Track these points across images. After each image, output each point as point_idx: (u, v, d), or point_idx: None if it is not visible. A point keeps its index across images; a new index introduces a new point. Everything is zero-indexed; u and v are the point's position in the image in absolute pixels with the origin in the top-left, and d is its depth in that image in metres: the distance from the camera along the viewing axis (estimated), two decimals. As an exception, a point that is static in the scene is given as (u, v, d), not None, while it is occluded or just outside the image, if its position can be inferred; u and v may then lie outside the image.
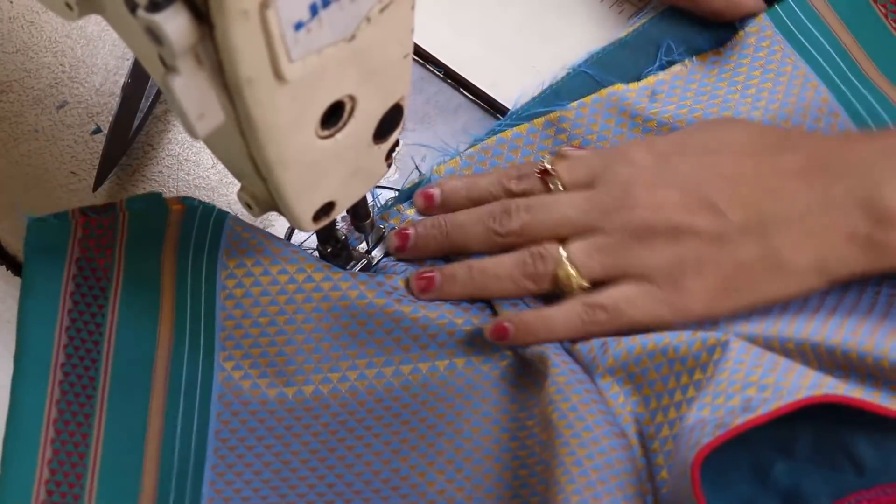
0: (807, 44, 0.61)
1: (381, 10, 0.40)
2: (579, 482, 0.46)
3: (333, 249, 0.55)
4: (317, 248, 0.56)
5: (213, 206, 0.54)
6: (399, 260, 0.57)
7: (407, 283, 0.55)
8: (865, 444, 0.47)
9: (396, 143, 0.49)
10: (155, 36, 0.35)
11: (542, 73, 0.62)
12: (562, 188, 0.54)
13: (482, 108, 0.63)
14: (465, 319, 0.53)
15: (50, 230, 0.53)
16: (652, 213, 0.51)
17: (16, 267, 0.58)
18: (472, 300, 0.55)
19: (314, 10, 0.37)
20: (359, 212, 0.54)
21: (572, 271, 0.52)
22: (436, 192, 0.57)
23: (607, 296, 0.51)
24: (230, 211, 0.59)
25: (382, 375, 0.53)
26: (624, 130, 0.59)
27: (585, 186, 0.54)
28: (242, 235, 0.53)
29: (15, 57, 0.65)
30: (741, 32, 0.61)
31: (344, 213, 0.53)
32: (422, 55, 0.64)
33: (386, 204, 0.59)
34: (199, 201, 0.54)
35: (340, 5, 0.38)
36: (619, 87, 0.60)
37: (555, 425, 0.48)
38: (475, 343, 0.54)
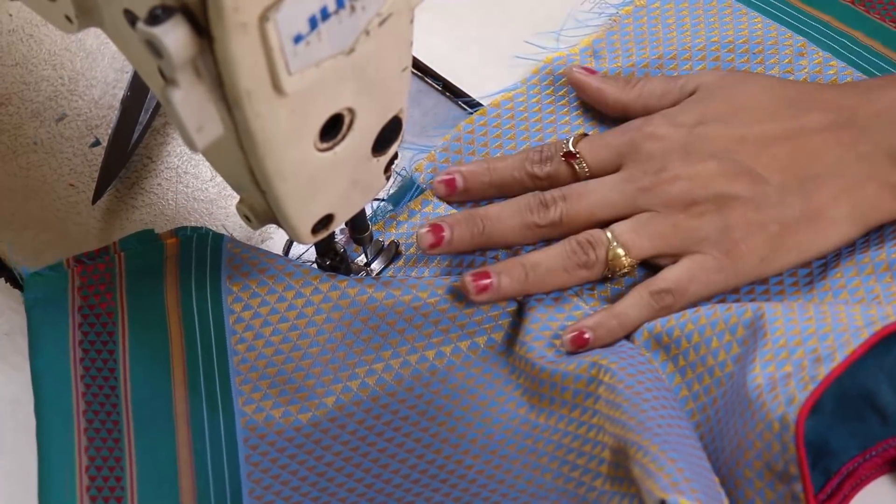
0: None
1: (380, 24, 0.41)
2: (651, 419, 0.46)
3: (332, 262, 0.55)
4: (315, 261, 0.56)
5: (208, 232, 0.54)
6: (430, 254, 0.56)
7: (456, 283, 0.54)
8: (888, 392, 0.48)
9: (395, 156, 0.49)
10: (154, 49, 0.35)
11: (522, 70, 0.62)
12: (587, 170, 0.55)
13: (466, 113, 0.63)
14: (475, 309, 0.54)
15: (47, 283, 0.53)
16: (693, 184, 0.52)
17: (14, 279, 0.58)
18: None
19: (313, 24, 0.37)
20: (357, 224, 0.54)
21: (621, 251, 0.52)
22: (457, 177, 0.57)
23: (667, 279, 0.52)
24: (226, 226, 0.59)
25: (401, 376, 0.53)
26: (578, 96, 0.60)
27: (613, 167, 0.54)
28: (242, 257, 0.53)
29: (14, 69, 0.65)
30: None
31: (343, 226, 0.53)
32: (420, 68, 0.64)
33: (375, 215, 0.59)
34: (192, 229, 0.54)
35: (339, 18, 0.38)
36: (562, 54, 0.62)
37: (614, 371, 0.49)
38: (487, 332, 0.54)
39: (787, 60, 0.59)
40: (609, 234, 0.53)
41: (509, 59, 0.64)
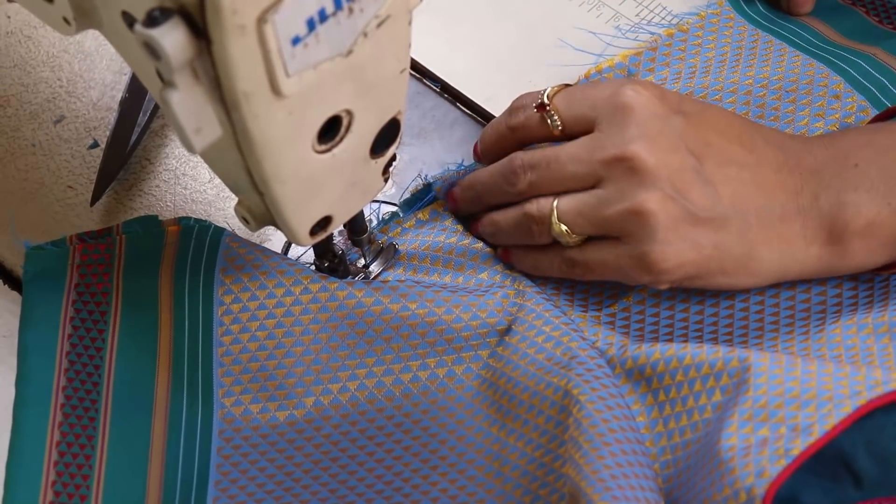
0: (765, 23, 0.63)
1: (378, 26, 0.41)
2: (610, 465, 0.46)
3: (331, 264, 0.55)
4: (314, 263, 0.56)
5: (210, 225, 0.54)
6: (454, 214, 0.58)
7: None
8: (865, 457, 0.47)
9: (393, 158, 0.49)
10: (152, 51, 0.35)
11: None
12: (559, 125, 0.53)
13: (479, 122, 0.63)
14: (464, 325, 0.54)
15: (48, 257, 0.54)
16: (650, 173, 0.50)
17: (13, 281, 0.58)
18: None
19: (311, 26, 0.37)
20: (356, 226, 0.54)
21: (564, 229, 0.52)
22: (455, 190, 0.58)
23: (584, 254, 0.53)
24: (227, 225, 0.59)
25: (382, 384, 0.53)
26: None
27: (588, 124, 0.53)
28: (239, 252, 0.54)
29: (12, 71, 0.65)
30: (703, 13, 0.63)
31: (341, 228, 0.53)
32: (418, 70, 0.64)
33: (383, 218, 0.59)
34: (196, 220, 0.54)
35: (337, 20, 0.38)
36: (599, 67, 0.62)
37: (583, 405, 0.48)
38: (474, 349, 0.54)
39: (819, 104, 0.58)
40: (554, 210, 0.52)
41: (508, 59, 0.64)
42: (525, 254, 0.56)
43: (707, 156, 0.51)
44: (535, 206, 0.53)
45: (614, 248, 0.51)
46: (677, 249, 0.50)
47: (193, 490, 0.50)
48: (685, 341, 0.53)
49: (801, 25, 0.63)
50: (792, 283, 0.54)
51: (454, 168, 0.59)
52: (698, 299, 0.54)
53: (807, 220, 0.51)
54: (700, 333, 0.53)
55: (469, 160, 0.60)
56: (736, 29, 0.62)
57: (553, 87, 0.54)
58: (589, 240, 0.52)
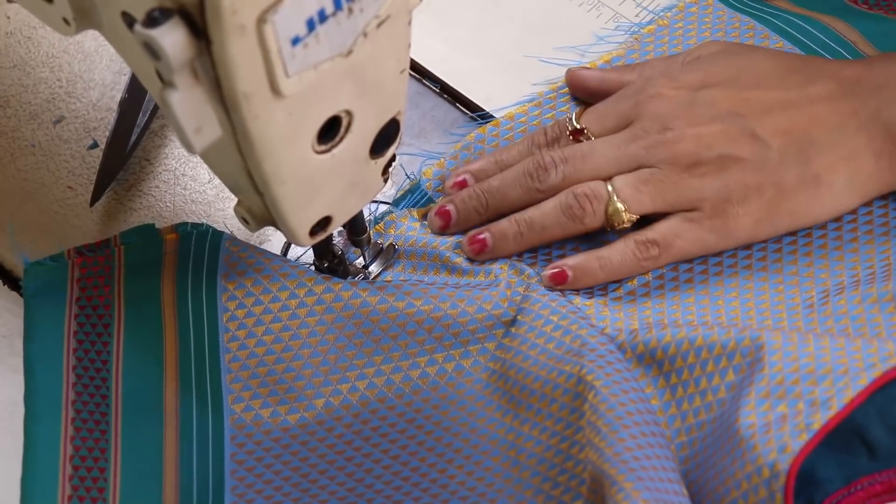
0: (745, 8, 0.63)
1: (378, 26, 0.41)
2: (634, 448, 0.46)
3: (330, 264, 0.55)
4: (313, 264, 0.56)
5: (208, 230, 0.54)
6: (441, 234, 0.57)
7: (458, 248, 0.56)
8: (879, 428, 0.48)
9: (393, 158, 0.49)
10: (152, 51, 0.35)
11: (538, 87, 0.62)
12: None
13: (478, 122, 0.63)
14: (469, 318, 0.54)
15: (47, 273, 0.54)
16: (697, 145, 0.53)
17: (12, 281, 0.58)
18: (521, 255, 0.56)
19: (311, 26, 0.37)
20: (355, 226, 0.54)
21: (621, 206, 0.53)
22: (467, 177, 0.58)
23: (657, 231, 0.53)
24: (226, 226, 0.59)
25: (392, 382, 0.53)
26: (582, 96, 0.61)
27: (617, 131, 0.55)
28: (240, 256, 0.53)
29: (12, 72, 0.65)
30: (682, 4, 0.64)
31: (340, 228, 0.53)
32: (418, 70, 0.64)
33: (377, 218, 0.59)
34: (193, 226, 0.54)
35: (337, 20, 0.38)
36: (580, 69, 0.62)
37: (598, 390, 0.48)
38: (481, 342, 0.54)
39: None
40: (610, 188, 0.53)
41: (507, 60, 0.64)
42: (588, 259, 0.54)
43: (747, 110, 0.53)
44: (587, 187, 0.54)
45: (684, 219, 0.53)
46: (749, 206, 0.52)
47: (210, 497, 0.50)
48: (692, 319, 0.53)
49: (777, 9, 0.63)
50: (794, 257, 0.54)
51: (433, 154, 0.60)
52: (702, 278, 0.54)
53: (871, 135, 0.52)
54: (706, 311, 0.53)
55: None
56: (715, 15, 0.63)
57: (574, 112, 0.57)
58: (640, 220, 0.53)
